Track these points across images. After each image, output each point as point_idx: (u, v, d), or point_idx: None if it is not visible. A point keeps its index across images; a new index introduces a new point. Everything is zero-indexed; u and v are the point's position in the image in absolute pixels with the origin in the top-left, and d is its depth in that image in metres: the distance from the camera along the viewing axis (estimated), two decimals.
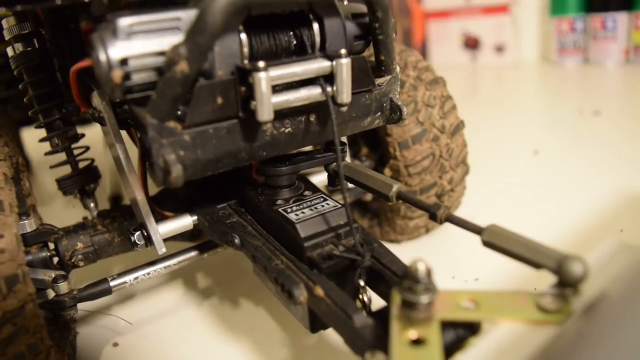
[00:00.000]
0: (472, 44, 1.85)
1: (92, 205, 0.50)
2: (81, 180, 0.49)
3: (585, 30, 1.64)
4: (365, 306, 0.32)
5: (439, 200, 0.53)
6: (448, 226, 0.61)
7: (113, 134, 0.36)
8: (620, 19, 1.56)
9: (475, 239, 0.31)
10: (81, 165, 0.50)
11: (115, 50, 0.27)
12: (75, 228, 0.45)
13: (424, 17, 1.91)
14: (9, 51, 0.47)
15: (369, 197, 0.56)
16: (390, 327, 0.25)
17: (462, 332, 0.26)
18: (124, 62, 0.28)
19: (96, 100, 0.36)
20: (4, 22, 0.45)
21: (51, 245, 0.45)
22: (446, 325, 0.26)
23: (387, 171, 0.52)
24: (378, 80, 0.38)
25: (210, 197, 0.42)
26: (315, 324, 0.33)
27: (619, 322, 0.23)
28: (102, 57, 0.27)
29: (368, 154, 0.55)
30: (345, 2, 0.36)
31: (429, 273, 0.25)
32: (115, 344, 0.49)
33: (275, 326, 0.47)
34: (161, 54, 0.28)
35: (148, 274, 0.43)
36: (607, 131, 0.93)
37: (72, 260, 0.44)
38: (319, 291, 0.29)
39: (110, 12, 0.29)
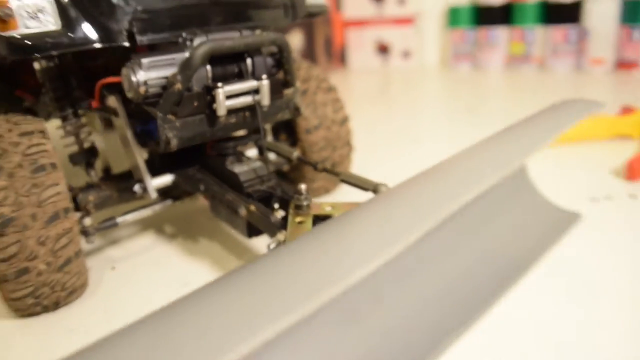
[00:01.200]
0: (383, 49, 2.14)
1: (93, 173, 0.72)
2: (86, 155, 0.71)
3: (475, 41, 1.96)
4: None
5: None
6: (342, 190, 0.87)
7: (124, 122, 0.59)
8: (502, 33, 1.88)
9: (361, 195, 0.56)
10: (86, 146, 0.72)
11: (141, 75, 0.50)
12: (86, 187, 0.67)
13: (343, 26, 2.17)
14: (36, 65, 0.68)
15: (286, 168, 0.81)
16: (289, 218, 0.50)
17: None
18: (145, 82, 0.51)
19: (112, 101, 0.59)
20: None
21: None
22: (316, 217, 0.51)
23: (297, 149, 0.77)
24: (286, 91, 0.62)
25: (182, 165, 0.66)
26: (251, 232, 0.58)
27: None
28: (134, 79, 0.50)
29: (286, 138, 0.80)
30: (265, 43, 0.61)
31: (307, 191, 0.50)
32: (113, 268, 0.71)
33: (227, 252, 0.71)
34: (165, 78, 0.52)
35: (141, 213, 0.66)
36: (476, 123, 1.23)
37: (87, 208, 0.66)
38: (252, 207, 0.54)
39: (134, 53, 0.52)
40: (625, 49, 1.65)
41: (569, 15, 1.73)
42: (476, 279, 0.45)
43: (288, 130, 0.79)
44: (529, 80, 1.67)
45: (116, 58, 0.65)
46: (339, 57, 2.20)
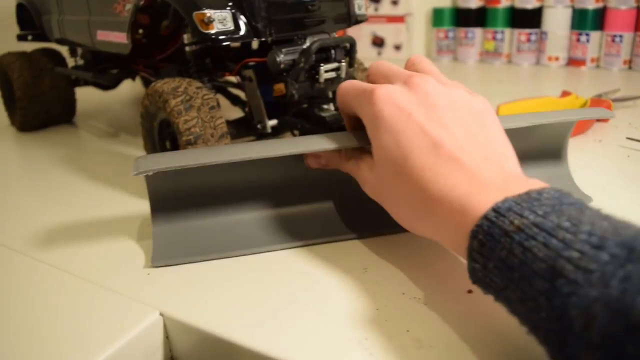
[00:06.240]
0: (378, 42, 2.48)
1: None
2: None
3: (455, 38, 2.35)
4: None
5: None
6: None
7: (256, 85, 0.97)
8: (477, 32, 2.26)
9: None
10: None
11: (281, 57, 0.89)
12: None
13: None
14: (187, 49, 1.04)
15: None
16: None
17: None
18: (283, 61, 0.89)
19: (248, 72, 0.97)
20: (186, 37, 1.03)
21: None
22: None
23: None
24: (350, 69, 1.01)
25: (282, 114, 1.04)
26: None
27: None
28: (277, 59, 0.88)
29: None
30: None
31: None
32: None
33: None
34: (293, 60, 0.90)
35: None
36: None
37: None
38: None
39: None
40: (575, 50, 2.07)
41: (531, 20, 2.15)
42: None
43: None
44: (498, 72, 2.03)
45: (236, 49, 1.03)
46: None
